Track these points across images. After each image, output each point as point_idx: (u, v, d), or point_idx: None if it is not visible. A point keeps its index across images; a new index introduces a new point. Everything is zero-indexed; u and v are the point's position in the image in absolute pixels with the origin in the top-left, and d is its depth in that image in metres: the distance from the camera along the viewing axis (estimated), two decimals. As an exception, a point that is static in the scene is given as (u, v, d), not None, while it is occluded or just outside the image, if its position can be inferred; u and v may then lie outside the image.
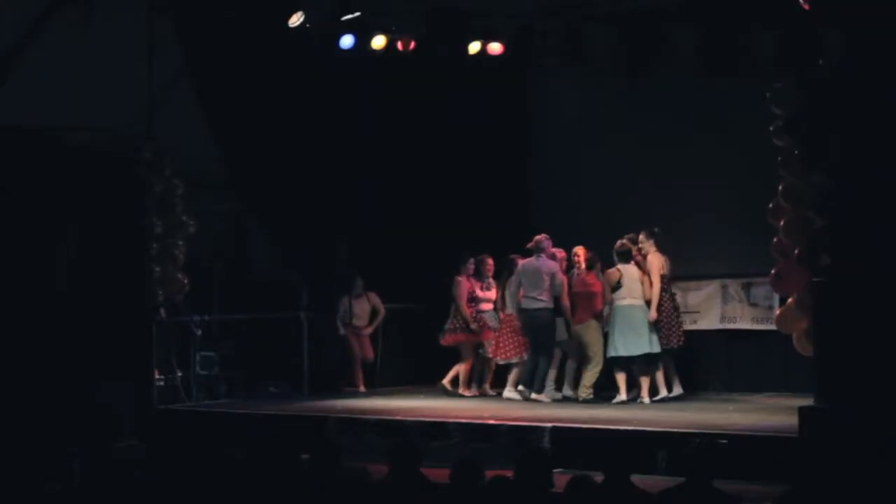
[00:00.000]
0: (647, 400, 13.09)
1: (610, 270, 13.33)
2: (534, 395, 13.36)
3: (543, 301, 13.39)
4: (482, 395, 14.21)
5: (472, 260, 14.26)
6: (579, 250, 13.68)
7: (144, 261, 13.07)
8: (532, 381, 13.44)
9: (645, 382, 13.19)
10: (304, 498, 7.24)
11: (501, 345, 13.83)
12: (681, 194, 14.33)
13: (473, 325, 14.04)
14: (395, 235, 15.45)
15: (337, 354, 15.10)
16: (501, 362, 13.94)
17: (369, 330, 15.08)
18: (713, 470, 7.03)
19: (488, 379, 14.31)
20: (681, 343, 13.35)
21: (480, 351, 14.21)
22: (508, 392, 13.75)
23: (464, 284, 14.18)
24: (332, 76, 14.58)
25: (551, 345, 13.55)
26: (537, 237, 13.63)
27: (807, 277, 10.56)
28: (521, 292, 13.54)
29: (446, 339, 14.27)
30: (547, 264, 13.47)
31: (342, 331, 14.91)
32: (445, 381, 14.23)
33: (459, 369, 14.25)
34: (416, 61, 13.75)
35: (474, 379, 14.35)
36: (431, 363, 14.67)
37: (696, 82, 13.42)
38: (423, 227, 15.32)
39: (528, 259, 13.63)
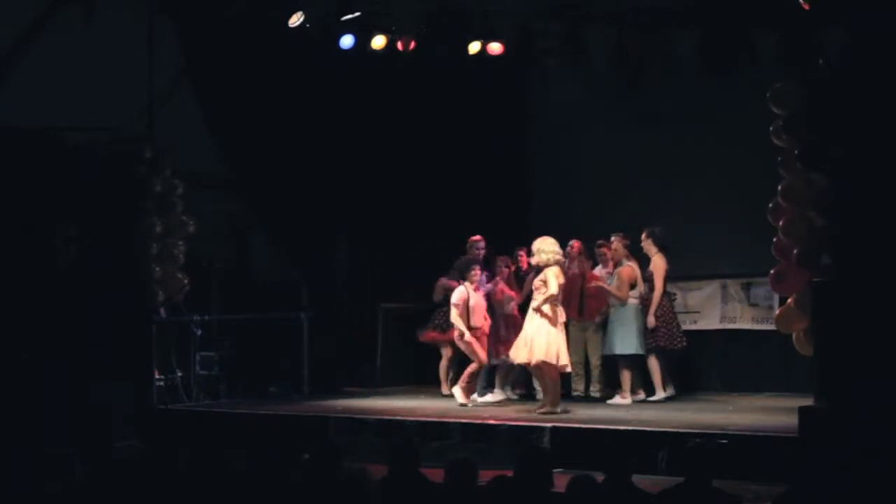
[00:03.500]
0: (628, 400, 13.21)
1: (626, 267, 13.27)
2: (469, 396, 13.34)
3: None
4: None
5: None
6: (575, 243, 13.71)
7: (144, 261, 13.08)
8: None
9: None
10: (304, 498, 7.24)
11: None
12: (681, 194, 14.33)
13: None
14: (394, 235, 15.46)
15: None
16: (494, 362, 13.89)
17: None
18: (713, 470, 7.03)
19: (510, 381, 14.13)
20: (685, 345, 13.39)
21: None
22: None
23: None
24: (332, 76, 14.59)
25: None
26: (472, 238, 13.60)
27: (807, 277, 10.56)
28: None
29: (424, 336, 14.31)
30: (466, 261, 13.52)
31: (463, 326, 13.06)
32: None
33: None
34: (416, 61, 13.75)
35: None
36: (431, 363, 14.66)
37: (697, 82, 13.42)
38: (423, 227, 15.32)
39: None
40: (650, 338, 13.17)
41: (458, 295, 13.13)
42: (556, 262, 12.27)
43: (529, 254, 12.91)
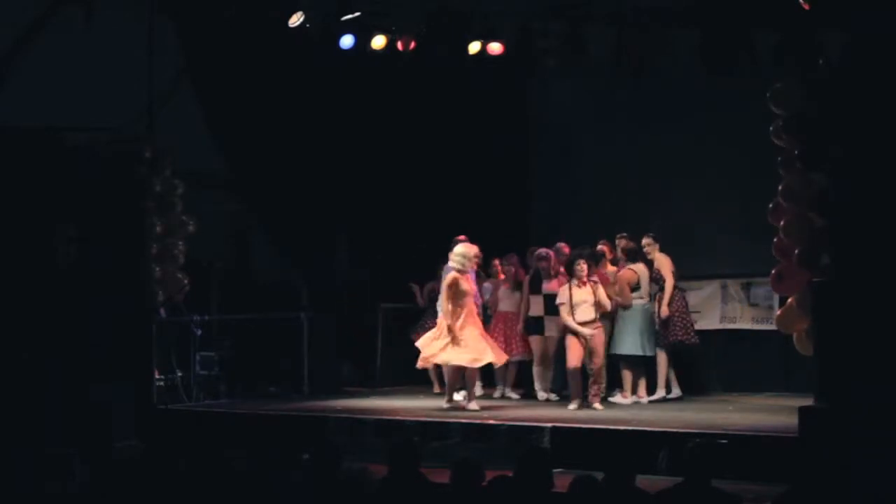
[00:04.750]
0: (645, 399, 13.22)
1: (626, 271, 13.28)
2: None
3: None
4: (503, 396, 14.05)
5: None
6: (564, 247, 13.69)
7: (144, 261, 13.08)
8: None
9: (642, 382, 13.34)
10: (304, 498, 7.24)
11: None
12: (681, 194, 14.34)
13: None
14: (394, 235, 15.45)
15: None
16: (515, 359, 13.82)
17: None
18: (713, 470, 7.03)
19: (510, 381, 14.05)
20: (696, 341, 13.38)
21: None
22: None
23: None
24: (332, 76, 14.59)
25: None
26: (458, 238, 13.44)
27: (807, 278, 10.56)
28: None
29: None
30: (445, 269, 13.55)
31: (573, 324, 12.76)
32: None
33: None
34: (416, 61, 13.75)
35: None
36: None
37: (697, 82, 13.41)
38: (423, 227, 15.32)
39: None
40: (666, 332, 13.16)
41: (563, 294, 12.84)
42: (456, 269, 12.55)
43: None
